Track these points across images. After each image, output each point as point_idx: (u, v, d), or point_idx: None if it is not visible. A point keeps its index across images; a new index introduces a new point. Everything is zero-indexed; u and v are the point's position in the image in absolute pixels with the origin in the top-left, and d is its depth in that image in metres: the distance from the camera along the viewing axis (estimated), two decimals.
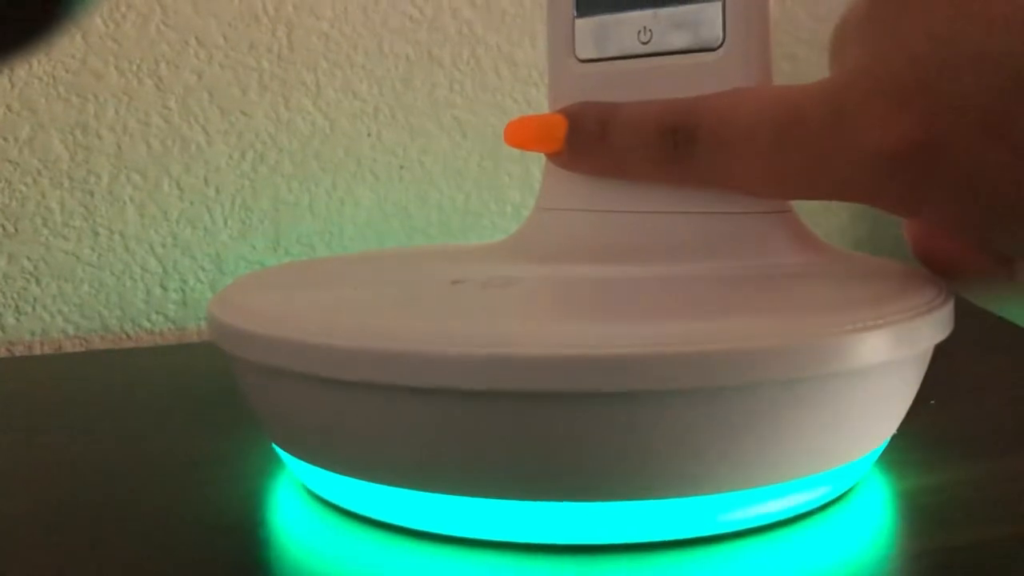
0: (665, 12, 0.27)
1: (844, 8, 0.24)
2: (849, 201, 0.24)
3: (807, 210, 0.27)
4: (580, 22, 0.29)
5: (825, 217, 0.55)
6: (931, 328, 0.23)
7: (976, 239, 0.23)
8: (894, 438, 0.25)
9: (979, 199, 0.21)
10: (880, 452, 0.25)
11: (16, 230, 0.44)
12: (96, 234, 0.45)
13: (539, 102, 0.51)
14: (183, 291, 0.46)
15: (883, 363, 0.22)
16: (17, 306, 0.44)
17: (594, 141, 0.27)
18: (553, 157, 0.28)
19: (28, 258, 0.44)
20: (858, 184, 0.22)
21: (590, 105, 0.27)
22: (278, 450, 0.25)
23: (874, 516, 0.24)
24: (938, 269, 0.25)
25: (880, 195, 0.22)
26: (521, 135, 0.28)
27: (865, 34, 0.22)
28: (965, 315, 0.25)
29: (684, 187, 0.26)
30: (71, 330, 0.45)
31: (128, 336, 0.46)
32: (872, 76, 0.21)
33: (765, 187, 0.25)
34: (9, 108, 0.44)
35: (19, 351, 0.44)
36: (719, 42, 0.26)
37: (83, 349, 0.45)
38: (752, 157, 0.24)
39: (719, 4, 0.26)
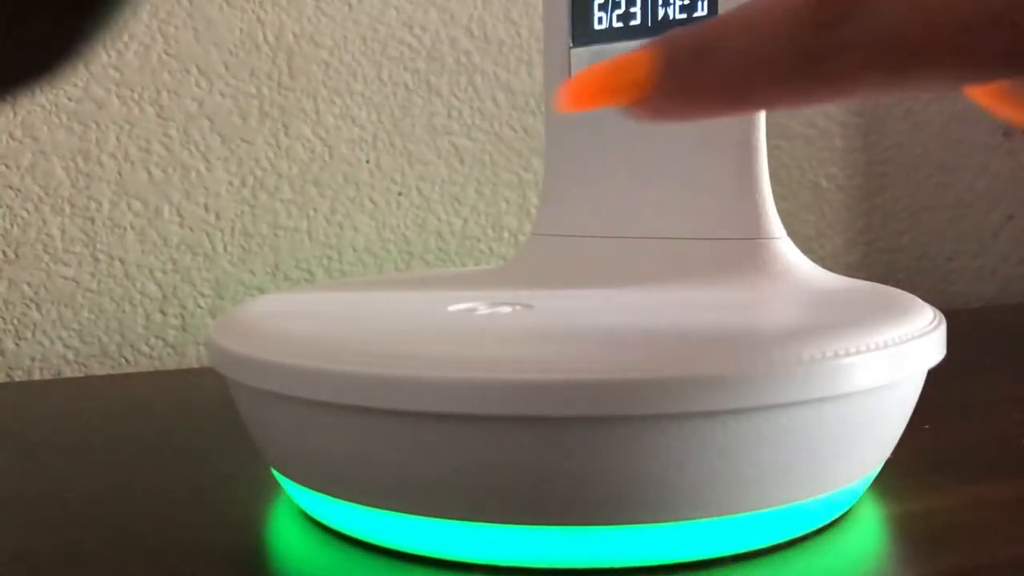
0: None
1: None
2: None
3: (800, 236, 0.27)
4: (576, 51, 0.29)
5: (819, 243, 0.55)
6: (923, 353, 0.23)
7: None
8: (888, 463, 0.25)
9: None
10: (874, 477, 0.25)
11: (17, 256, 0.44)
12: (96, 260, 0.45)
13: (536, 129, 0.52)
14: (183, 316, 0.47)
15: (876, 388, 0.22)
16: (17, 331, 0.45)
17: (699, 66, 0.19)
18: (635, 106, 0.20)
19: (28, 284, 0.45)
20: None
21: (678, 30, 0.20)
22: (277, 475, 0.25)
23: (868, 541, 0.24)
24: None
25: None
26: (589, 89, 0.20)
27: None
28: (958, 340, 0.25)
29: (829, 93, 0.18)
30: (70, 355, 0.45)
31: (127, 361, 0.46)
32: None
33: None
34: (11, 135, 0.44)
35: (18, 376, 0.45)
36: None
37: (82, 374, 0.45)
38: None
39: None
